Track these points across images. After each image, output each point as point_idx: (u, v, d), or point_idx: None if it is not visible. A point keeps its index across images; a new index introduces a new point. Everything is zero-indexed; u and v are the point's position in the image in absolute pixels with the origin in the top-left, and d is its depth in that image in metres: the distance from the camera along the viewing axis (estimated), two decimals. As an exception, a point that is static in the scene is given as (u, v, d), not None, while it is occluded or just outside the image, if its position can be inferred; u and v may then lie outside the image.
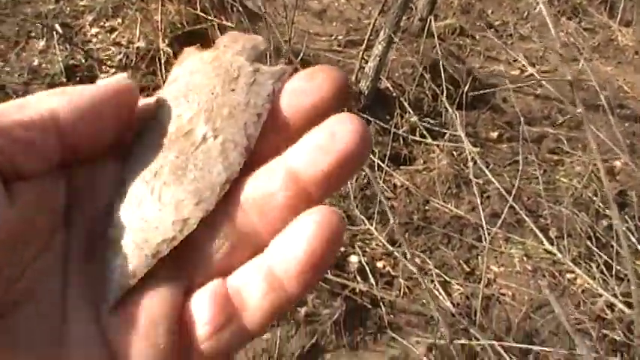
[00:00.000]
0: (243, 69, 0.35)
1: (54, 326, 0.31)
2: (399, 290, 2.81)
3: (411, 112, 3.25)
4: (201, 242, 0.34)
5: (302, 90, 0.34)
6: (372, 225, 2.86)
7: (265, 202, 0.33)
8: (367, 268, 2.79)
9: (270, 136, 0.34)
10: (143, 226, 0.32)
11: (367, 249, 2.97)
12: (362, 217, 2.92)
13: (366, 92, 3.71)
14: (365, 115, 3.51)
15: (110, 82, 0.35)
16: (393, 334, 2.56)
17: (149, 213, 0.32)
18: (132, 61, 3.64)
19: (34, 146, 0.31)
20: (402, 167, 3.53)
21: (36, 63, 3.55)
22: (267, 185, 0.33)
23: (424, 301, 2.75)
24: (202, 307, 0.33)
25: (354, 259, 2.88)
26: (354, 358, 2.49)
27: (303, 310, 2.55)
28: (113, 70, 3.60)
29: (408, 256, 2.05)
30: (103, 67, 3.62)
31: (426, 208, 3.30)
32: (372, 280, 2.76)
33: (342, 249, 2.91)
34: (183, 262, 0.34)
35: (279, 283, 0.32)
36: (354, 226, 2.98)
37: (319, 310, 2.57)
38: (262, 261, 0.33)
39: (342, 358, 2.48)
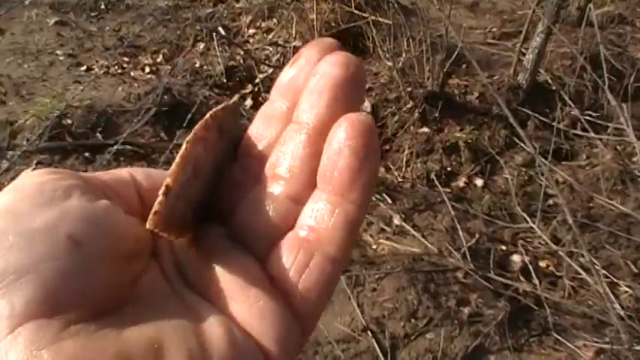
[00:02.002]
0: None
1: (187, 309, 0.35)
2: (564, 291, 2.72)
3: (572, 105, 3.13)
4: (251, 223, 0.37)
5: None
6: (534, 223, 2.78)
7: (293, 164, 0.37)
8: (530, 268, 2.71)
9: None
10: None
11: (530, 247, 2.89)
12: (524, 214, 2.84)
13: (525, 86, 3.61)
14: (524, 109, 3.42)
15: None
16: (559, 337, 2.48)
17: None
18: (289, 59, 3.68)
19: (124, 195, 0.38)
20: (563, 163, 3.42)
21: (197, 65, 3.67)
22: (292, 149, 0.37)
23: (590, 302, 2.65)
24: (281, 258, 0.35)
25: (516, 258, 2.81)
26: (518, 361, 2.43)
27: (466, 310, 2.51)
28: (271, 69, 3.67)
29: (585, 254, 1.97)
30: (261, 66, 3.70)
31: (590, 205, 3.17)
32: (536, 280, 2.69)
33: (504, 247, 2.85)
34: (246, 240, 0.37)
35: (341, 196, 0.34)
36: (515, 224, 2.91)
37: (482, 310, 2.53)
38: (318, 191, 0.36)
39: (507, 360, 2.43)
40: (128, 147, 2.84)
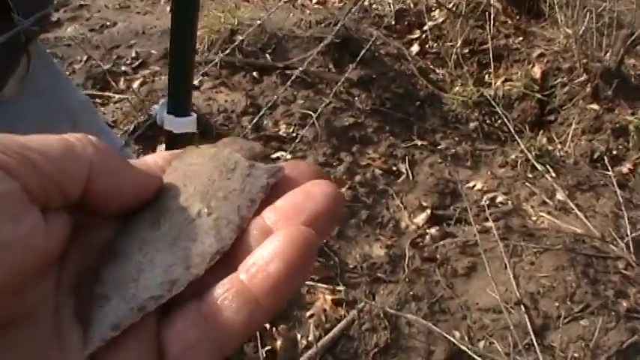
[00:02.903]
0: (239, 163, 0.39)
1: (49, 348, 0.32)
2: None
3: None
4: None
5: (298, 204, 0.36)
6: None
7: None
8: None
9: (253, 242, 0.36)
10: (131, 284, 0.33)
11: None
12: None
13: None
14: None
15: (146, 169, 0.38)
16: None
17: (139, 273, 0.34)
18: (461, 11, 3.56)
19: (64, 183, 0.33)
20: None
21: (367, 3, 3.59)
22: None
23: None
24: (177, 323, 0.33)
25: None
26: (674, 367, 2.29)
27: (624, 303, 2.38)
28: (442, 18, 3.56)
29: None
30: (431, 13, 3.60)
31: None
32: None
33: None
34: None
35: (253, 297, 0.33)
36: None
37: (641, 307, 2.40)
38: (235, 278, 0.33)
39: (662, 364, 2.29)
40: (297, 73, 2.78)
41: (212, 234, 0.35)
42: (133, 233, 0.36)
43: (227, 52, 2.09)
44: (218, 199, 0.37)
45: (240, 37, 2.89)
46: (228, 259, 0.35)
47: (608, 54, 3.32)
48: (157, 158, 0.40)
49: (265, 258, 0.33)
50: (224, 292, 0.33)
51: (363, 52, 2.76)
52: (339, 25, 2.88)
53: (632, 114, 3.22)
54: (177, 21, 1.44)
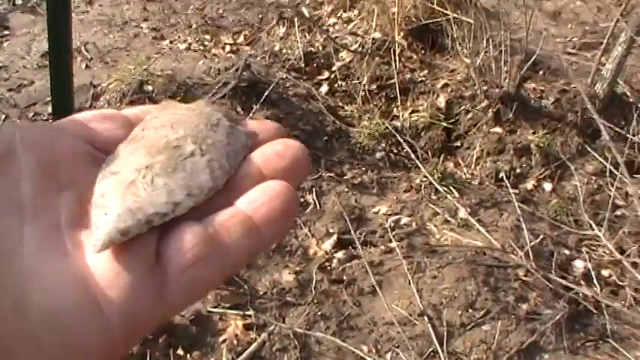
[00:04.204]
0: (221, 121, 0.40)
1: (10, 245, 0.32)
2: (625, 301, 2.69)
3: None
4: None
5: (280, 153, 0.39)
6: (600, 231, 2.76)
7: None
8: (592, 274, 2.69)
9: (244, 183, 0.38)
10: (136, 199, 0.34)
11: (593, 255, 2.87)
12: (590, 222, 2.82)
13: (602, 95, 3.57)
14: (599, 119, 3.38)
15: None
16: (616, 345, 2.45)
17: (141, 192, 0.35)
18: (367, 50, 3.73)
19: None
20: (635, 176, 3.37)
21: (277, 48, 3.73)
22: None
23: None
24: (183, 238, 0.34)
25: (579, 263, 2.79)
26: (573, 363, 2.42)
27: (524, 307, 2.51)
28: (349, 58, 3.71)
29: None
30: (339, 54, 3.75)
31: (659, 220, 3.12)
32: (597, 287, 2.66)
33: (567, 252, 2.83)
34: None
35: (257, 228, 0.35)
36: (580, 231, 2.89)
37: (541, 309, 2.52)
38: (238, 209, 0.36)
39: (561, 361, 2.41)
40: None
41: (207, 172, 0.37)
42: (127, 159, 0.37)
43: (125, 101, 2.19)
44: (208, 145, 0.38)
45: (150, 88, 3.02)
46: (222, 195, 0.37)
47: (506, 80, 3.50)
48: (134, 110, 0.42)
49: (268, 195, 0.35)
50: (229, 218, 0.35)
51: (267, 92, 2.90)
52: (240, 67, 3.01)
53: (534, 133, 3.40)
54: (54, 69, 1.53)
